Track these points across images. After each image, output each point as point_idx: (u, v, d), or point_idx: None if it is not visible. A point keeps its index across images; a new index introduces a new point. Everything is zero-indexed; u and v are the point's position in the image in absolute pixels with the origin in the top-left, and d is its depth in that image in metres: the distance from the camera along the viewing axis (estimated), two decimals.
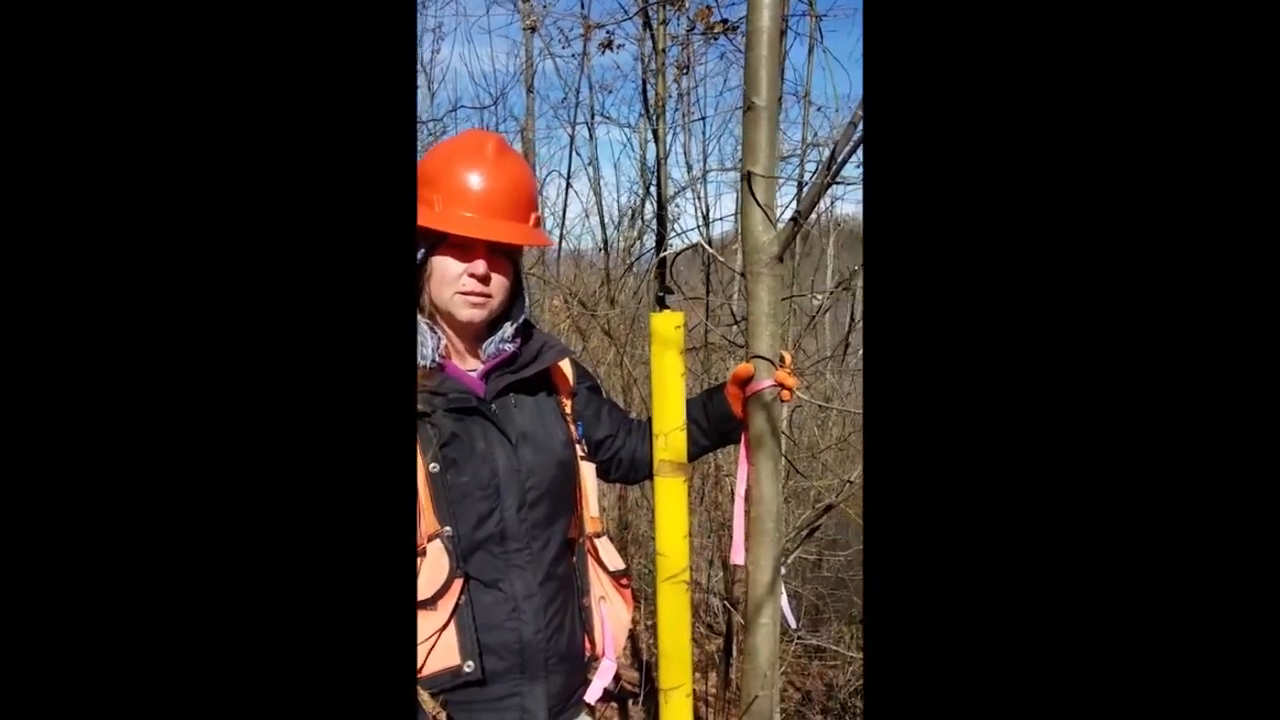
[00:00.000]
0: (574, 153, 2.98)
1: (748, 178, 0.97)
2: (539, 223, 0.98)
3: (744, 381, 0.99)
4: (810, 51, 2.51)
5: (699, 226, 2.88)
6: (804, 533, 1.14)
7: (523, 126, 3.57)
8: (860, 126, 0.90)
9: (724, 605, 2.91)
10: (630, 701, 2.82)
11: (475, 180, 0.91)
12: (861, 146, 0.90)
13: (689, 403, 1.06)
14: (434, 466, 0.88)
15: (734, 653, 2.87)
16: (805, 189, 2.86)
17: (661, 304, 1.06)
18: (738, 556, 1.01)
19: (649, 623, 3.20)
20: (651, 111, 2.50)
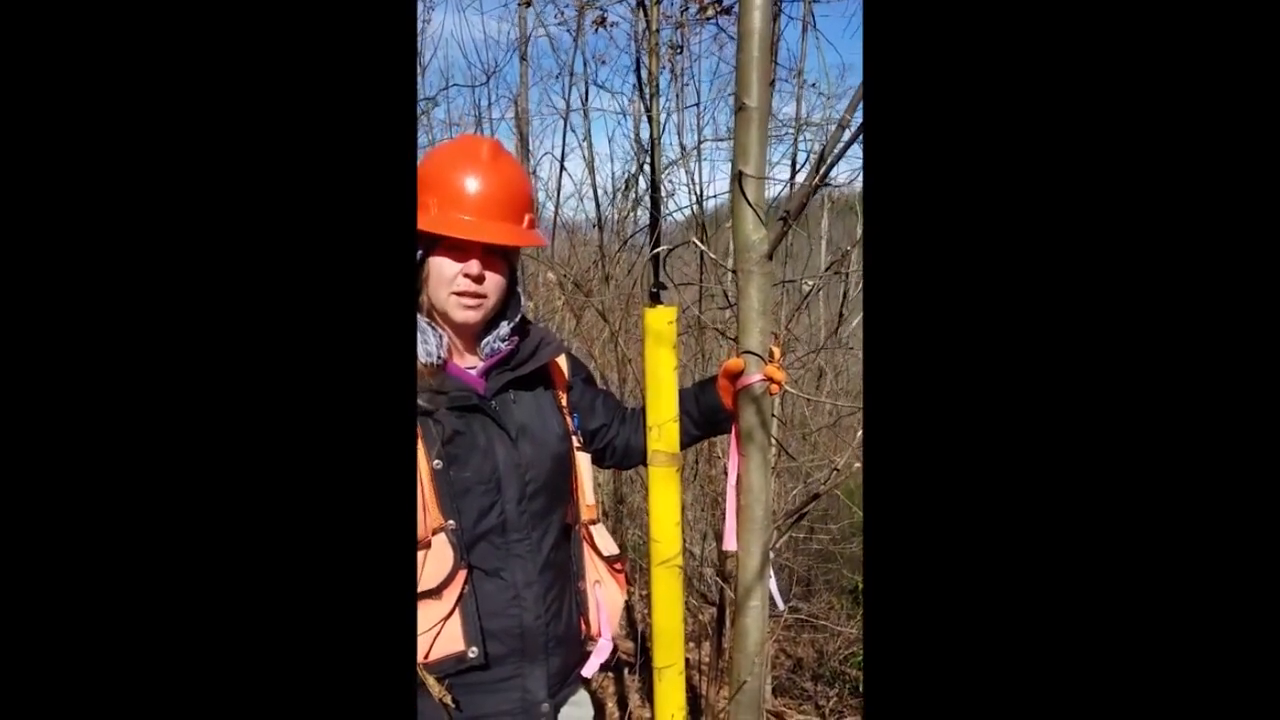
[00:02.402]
0: (568, 128, 2.97)
1: (739, 177, 0.99)
2: (533, 223, 1.00)
3: (734, 375, 1.02)
4: (804, 32, 2.50)
5: (692, 204, 2.90)
6: (792, 519, 1.19)
7: (516, 95, 3.55)
8: (848, 130, 0.92)
9: (716, 576, 2.98)
10: (626, 671, 2.90)
11: (470, 183, 0.93)
12: (855, 141, 0.92)
13: (681, 394, 1.09)
14: (437, 463, 0.92)
15: (726, 623, 2.96)
16: (799, 170, 2.87)
17: (655, 299, 1.09)
18: (730, 543, 1.05)
19: (643, 592, 3.28)
20: (645, 90, 2.50)
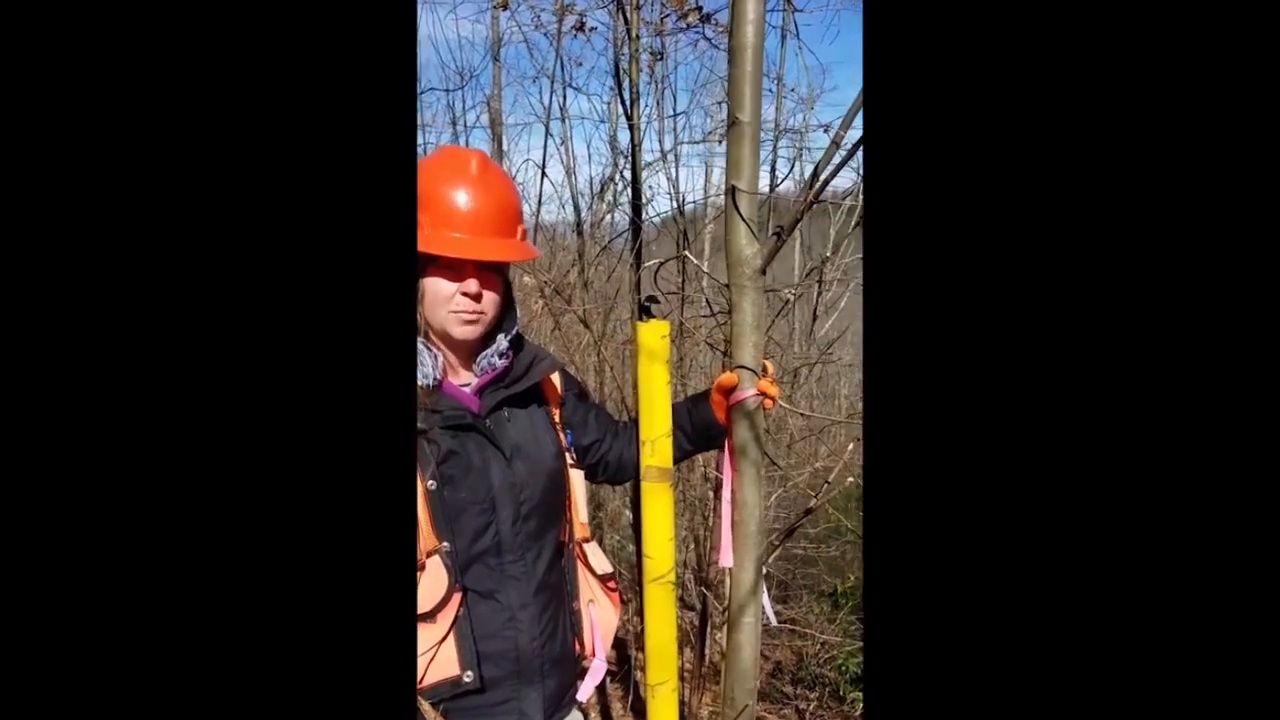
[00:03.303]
0: (547, 136, 2.96)
1: (732, 192, 0.99)
2: (524, 235, 0.99)
3: (727, 390, 1.02)
4: (783, 40, 2.52)
5: (673, 208, 2.90)
6: (785, 534, 1.19)
7: (489, 97, 3.53)
8: (841, 148, 0.92)
9: (699, 585, 2.98)
10: (609, 679, 2.89)
11: (462, 200, 0.92)
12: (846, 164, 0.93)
13: (674, 409, 1.09)
14: (432, 484, 0.90)
15: (709, 627, 2.96)
16: (782, 179, 2.88)
17: (647, 313, 1.08)
18: (725, 559, 1.05)
19: (623, 599, 3.27)
20: (625, 97, 2.49)
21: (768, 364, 1.03)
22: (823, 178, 0.92)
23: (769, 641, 3.66)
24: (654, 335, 1.05)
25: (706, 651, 2.99)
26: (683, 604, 3.64)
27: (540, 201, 3.04)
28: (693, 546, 3.20)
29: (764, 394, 1.00)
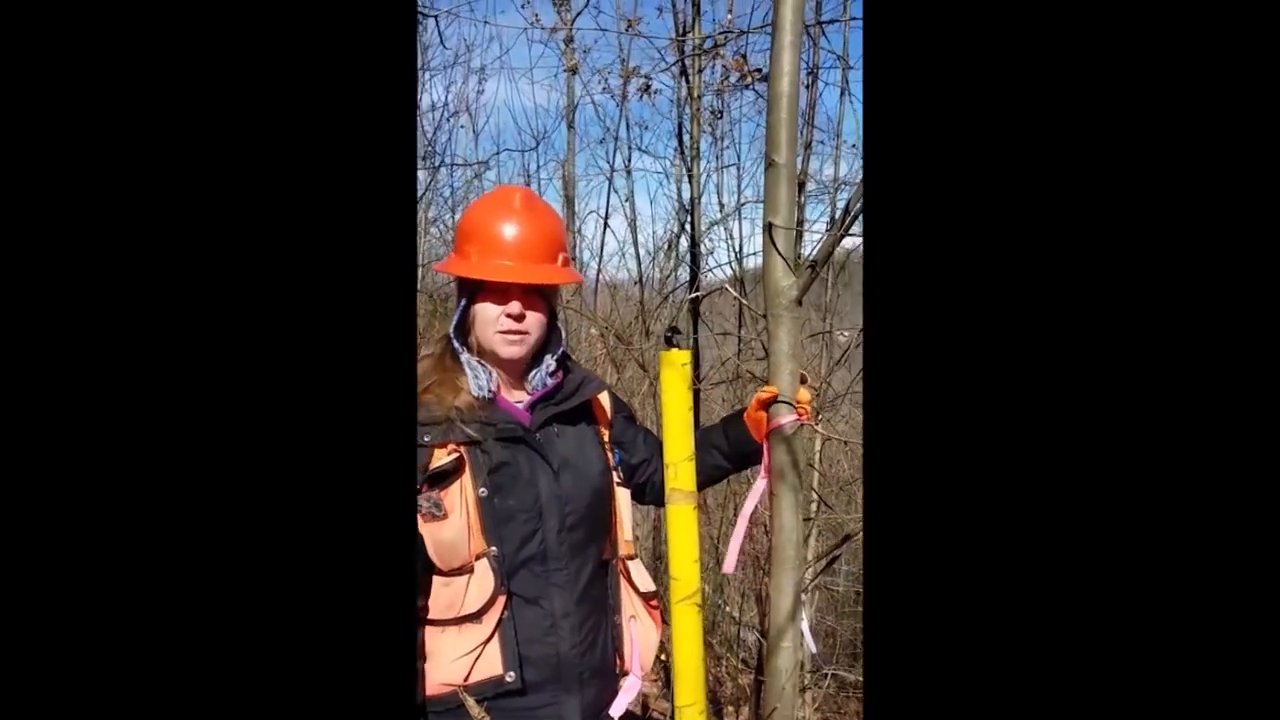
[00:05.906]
0: (612, 191, 3.12)
1: (769, 228, 1.05)
2: (568, 261, 1.07)
3: (766, 403, 1.06)
4: (841, 96, 2.61)
5: (731, 262, 2.98)
6: (824, 562, 1.20)
7: (563, 161, 3.74)
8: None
9: (759, 640, 2.92)
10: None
11: (506, 230, 1.01)
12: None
13: (710, 429, 1.13)
14: (483, 491, 0.97)
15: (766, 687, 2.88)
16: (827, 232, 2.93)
17: (670, 342, 1.14)
18: (730, 566, 1.07)
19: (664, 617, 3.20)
20: (687, 153, 2.62)
21: (804, 378, 1.06)
22: (852, 214, 0.97)
23: (833, 706, 3.51)
24: (676, 362, 1.11)
25: (763, 712, 2.90)
26: (744, 664, 3.54)
27: (603, 250, 3.17)
28: (755, 603, 3.14)
29: (799, 404, 1.04)
